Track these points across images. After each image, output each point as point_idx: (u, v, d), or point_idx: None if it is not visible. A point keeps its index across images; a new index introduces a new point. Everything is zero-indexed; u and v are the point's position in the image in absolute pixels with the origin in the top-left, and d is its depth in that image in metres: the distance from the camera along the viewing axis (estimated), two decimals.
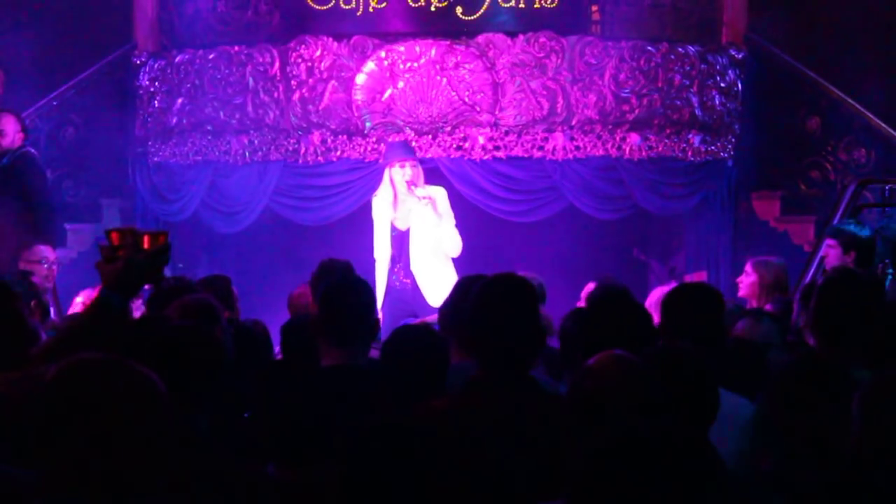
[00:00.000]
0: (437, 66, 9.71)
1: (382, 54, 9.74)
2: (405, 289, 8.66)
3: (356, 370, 4.48)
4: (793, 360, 4.70)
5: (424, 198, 8.57)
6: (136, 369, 2.62)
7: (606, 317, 4.46)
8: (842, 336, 4.69)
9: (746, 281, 7.63)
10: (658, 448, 2.20)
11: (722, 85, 10.29)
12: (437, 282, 8.48)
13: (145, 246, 3.88)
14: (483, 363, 3.86)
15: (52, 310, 7.74)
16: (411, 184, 8.62)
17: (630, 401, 2.91)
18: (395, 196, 8.71)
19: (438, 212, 8.61)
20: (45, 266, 8.54)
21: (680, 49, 10.06)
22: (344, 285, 4.69)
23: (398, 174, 8.68)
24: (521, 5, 9.99)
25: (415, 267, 8.65)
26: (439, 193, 8.75)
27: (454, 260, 8.76)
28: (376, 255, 8.75)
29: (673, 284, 8.32)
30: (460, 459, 3.65)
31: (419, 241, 8.67)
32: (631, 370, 3.00)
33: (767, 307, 6.99)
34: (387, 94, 9.74)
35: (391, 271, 8.72)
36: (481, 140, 9.72)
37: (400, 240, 8.73)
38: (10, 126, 9.74)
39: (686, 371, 3.67)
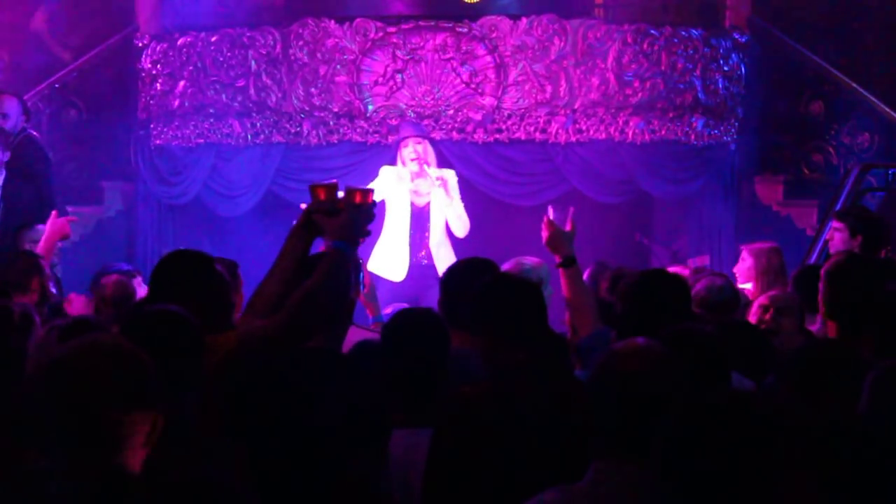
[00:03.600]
0: (440, 50, 9.69)
1: (385, 37, 9.72)
2: (425, 266, 8.68)
3: (313, 353, 4.42)
4: (804, 345, 4.68)
5: (438, 178, 8.60)
6: (133, 350, 2.64)
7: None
8: (851, 319, 4.67)
9: (743, 267, 7.59)
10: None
11: (725, 68, 10.27)
12: (447, 261, 8.49)
13: (357, 201, 4.15)
14: (526, 349, 3.83)
15: (53, 291, 7.70)
16: (422, 161, 8.65)
17: (656, 388, 2.89)
18: (412, 174, 8.72)
19: (449, 192, 8.64)
20: None
21: (683, 32, 10.04)
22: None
23: (406, 153, 8.71)
24: None
25: (432, 244, 8.68)
26: (450, 176, 8.78)
27: (458, 242, 8.79)
28: (391, 229, 8.71)
29: (676, 268, 8.34)
30: (499, 446, 3.65)
31: (437, 220, 8.70)
32: (656, 357, 2.98)
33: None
34: (389, 77, 9.73)
35: (413, 249, 8.74)
36: (484, 123, 9.70)
37: (417, 217, 8.75)
38: (14, 109, 9.72)
39: (700, 353, 3.64)
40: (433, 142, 9.52)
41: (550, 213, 5.31)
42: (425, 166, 8.68)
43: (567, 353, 4.63)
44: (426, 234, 8.75)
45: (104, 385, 2.58)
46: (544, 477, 3.51)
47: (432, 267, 8.56)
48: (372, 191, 4.37)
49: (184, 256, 4.28)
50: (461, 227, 8.73)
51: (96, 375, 2.59)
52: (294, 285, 4.07)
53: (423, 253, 8.76)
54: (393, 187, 8.68)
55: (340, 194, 4.31)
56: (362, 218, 4.17)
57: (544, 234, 5.25)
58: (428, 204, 8.76)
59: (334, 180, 4.30)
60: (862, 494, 2.79)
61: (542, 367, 3.80)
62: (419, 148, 8.73)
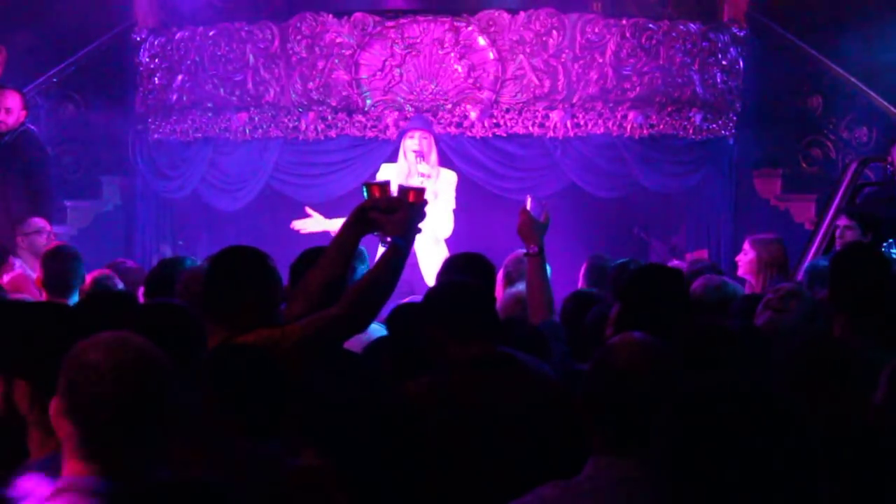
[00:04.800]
0: (438, 44, 9.68)
1: (383, 31, 9.71)
2: None
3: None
4: (804, 341, 4.67)
5: (422, 174, 8.57)
6: (148, 346, 2.63)
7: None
8: (859, 310, 4.67)
9: (745, 259, 7.59)
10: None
11: (723, 63, 10.27)
12: (433, 259, 8.47)
13: (411, 199, 4.47)
14: (462, 341, 3.85)
15: None
16: (419, 154, 8.64)
17: (654, 382, 2.89)
18: (409, 169, 8.71)
19: (434, 191, 8.60)
20: (44, 236, 8.51)
21: (681, 27, 10.03)
22: (312, 257, 4.69)
23: (408, 144, 8.73)
24: None
25: (417, 244, 8.62)
26: (447, 176, 8.75)
27: (455, 238, 8.77)
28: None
29: (675, 263, 8.34)
30: (444, 442, 3.64)
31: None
32: (653, 352, 2.98)
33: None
34: (387, 72, 9.72)
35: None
36: (482, 117, 9.69)
37: None
38: (16, 103, 9.74)
39: (720, 350, 3.62)
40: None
41: (528, 203, 5.39)
42: (419, 160, 8.65)
43: (543, 347, 4.64)
44: None
45: (127, 384, 2.55)
46: (494, 472, 3.52)
47: (413, 265, 8.51)
48: (424, 189, 4.65)
49: (238, 253, 4.35)
50: (443, 228, 8.66)
51: (120, 372, 2.56)
52: (339, 278, 4.30)
53: None
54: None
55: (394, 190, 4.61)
56: (416, 215, 4.38)
57: (518, 222, 5.34)
58: None
59: (387, 179, 4.58)
60: (874, 486, 2.79)
61: (490, 363, 3.80)
62: (424, 142, 8.72)
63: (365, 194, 4.56)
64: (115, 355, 2.57)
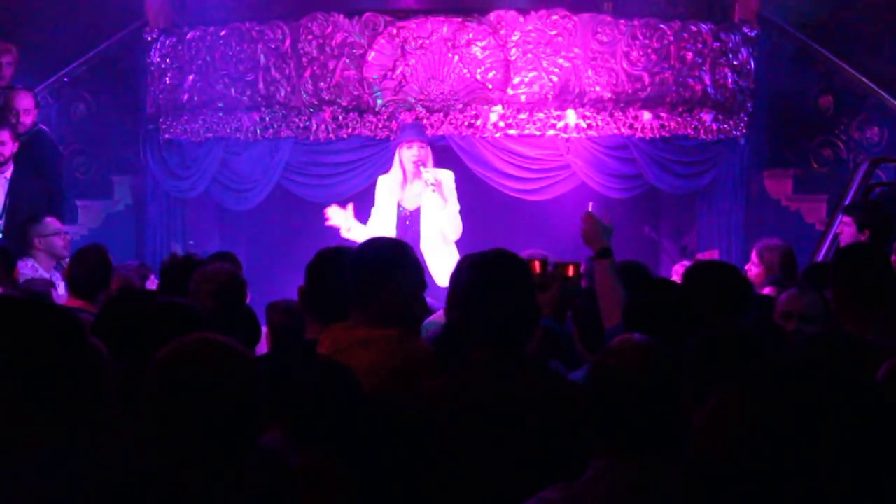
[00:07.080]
0: (449, 44, 9.69)
1: (394, 31, 9.72)
2: None
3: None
4: (813, 334, 4.66)
5: (432, 184, 8.53)
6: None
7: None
8: (860, 306, 4.68)
9: (754, 271, 7.54)
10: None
11: (734, 63, 10.24)
12: (443, 262, 8.44)
13: (569, 273, 4.54)
14: (480, 343, 3.76)
15: (60, 284, 7.71)
16: (419, 164, 8.60)
17: (654, 385, 2.89)
18: (405, 176, 8.68)
19: (444, 195, 8.58)
20: (62, 236, 8.51)
21: (692, 27, 10.02)
22: (329, 258, 4.62)
23: (406, 154, 8.66)
24: None
25: (424, 247, 8.60)
26: (446, 177, 8.73)
27: (464, 238, 8.75)
28: (370, 231, 8.64)
29: (686, 263, 8.32)
30: (455, 442, 3.62)
31: (429, 223, 8.63)
32: (653, 355, 2.97)
33: (766, 290, 6.92)
34: (398, 72, 9.73)
35: None
36: (493, 118, 9.71)
37: (408, 220, 8.70)
38: (29, 104, 9.77)
39: (741, 352, 3.61)
40: (441, 136, 9.55)
41: (591, 207, 5.37)
42: (421, 167, 8.63)
43: (553, 345, 4.62)
44: (416, 239, 8.68)
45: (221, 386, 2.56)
46: (506, 475, 3.49)
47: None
48: (581, 263, 4.68)
49: (377, 245, 4.35)
50: (453, 231, 8.58)
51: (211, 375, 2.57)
52: None
53: None
54: (388, 196, 8.68)
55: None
56: (571, 291, 4.44)
57: (582, 227, 5.24)
58: (418, 209, 8.70)
59: (546, 255, 4.55)
60: None
61: (501, 362, 3.73)
62: (422, 151, 8.68)
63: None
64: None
